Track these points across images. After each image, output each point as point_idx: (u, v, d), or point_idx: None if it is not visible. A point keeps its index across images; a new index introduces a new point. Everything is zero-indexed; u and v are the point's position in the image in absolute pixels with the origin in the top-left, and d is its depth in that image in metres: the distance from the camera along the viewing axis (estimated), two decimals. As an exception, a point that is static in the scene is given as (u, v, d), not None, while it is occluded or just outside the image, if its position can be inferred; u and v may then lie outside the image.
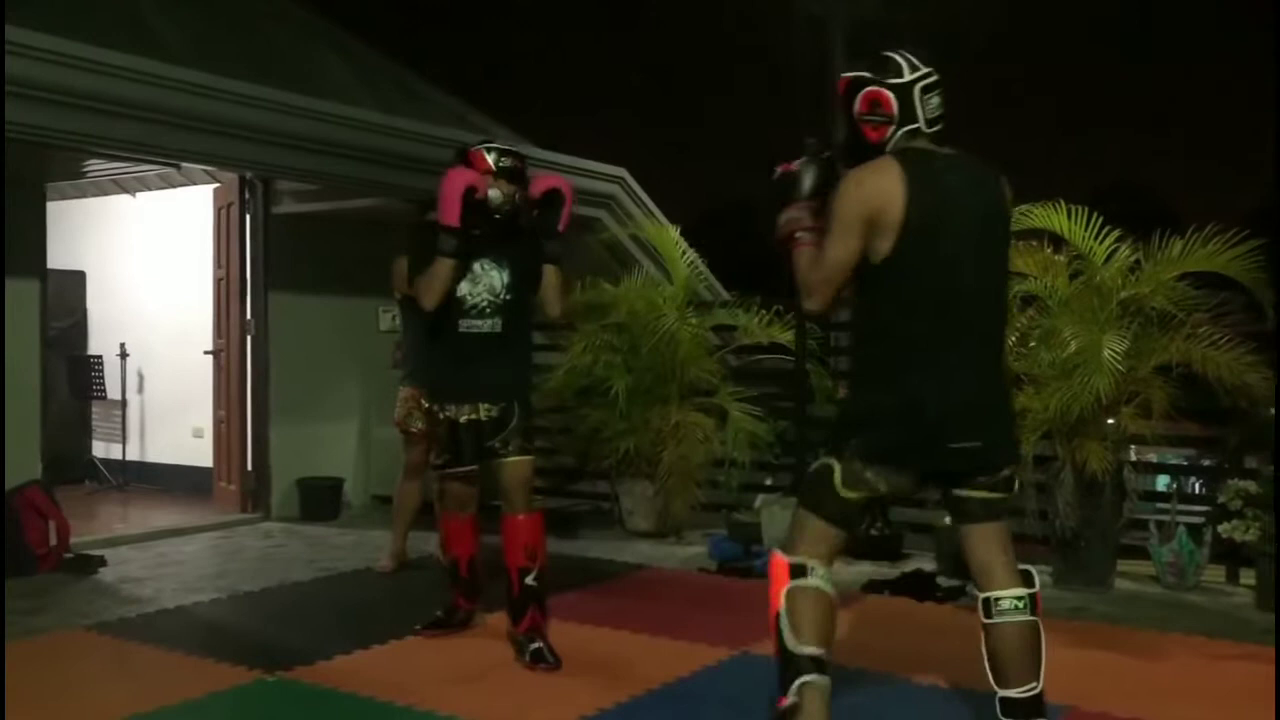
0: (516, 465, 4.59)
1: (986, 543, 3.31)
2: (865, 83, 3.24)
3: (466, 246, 4.42)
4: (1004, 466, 3.31)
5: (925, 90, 3.22)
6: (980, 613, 3.28)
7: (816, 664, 3.21)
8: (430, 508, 6.37)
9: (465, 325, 4.54)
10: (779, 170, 3.41)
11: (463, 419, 4.59)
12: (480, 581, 4.93)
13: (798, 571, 3.26)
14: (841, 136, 3.37)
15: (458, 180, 4.37)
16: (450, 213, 4.34)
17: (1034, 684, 3.23)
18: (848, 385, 3.92)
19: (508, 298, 4.56)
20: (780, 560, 3.30)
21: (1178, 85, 46.05)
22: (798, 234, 3.30)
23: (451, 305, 4.50)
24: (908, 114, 3.21)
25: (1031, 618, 3.25)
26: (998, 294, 3.39)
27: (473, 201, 4.36)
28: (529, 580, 4.54)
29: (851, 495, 3.25)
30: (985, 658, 3.26)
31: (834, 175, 3.34)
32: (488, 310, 4.54)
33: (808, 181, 3.36)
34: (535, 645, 4.47)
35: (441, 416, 4.65)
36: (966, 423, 3.21)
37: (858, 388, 3.47)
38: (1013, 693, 3.22)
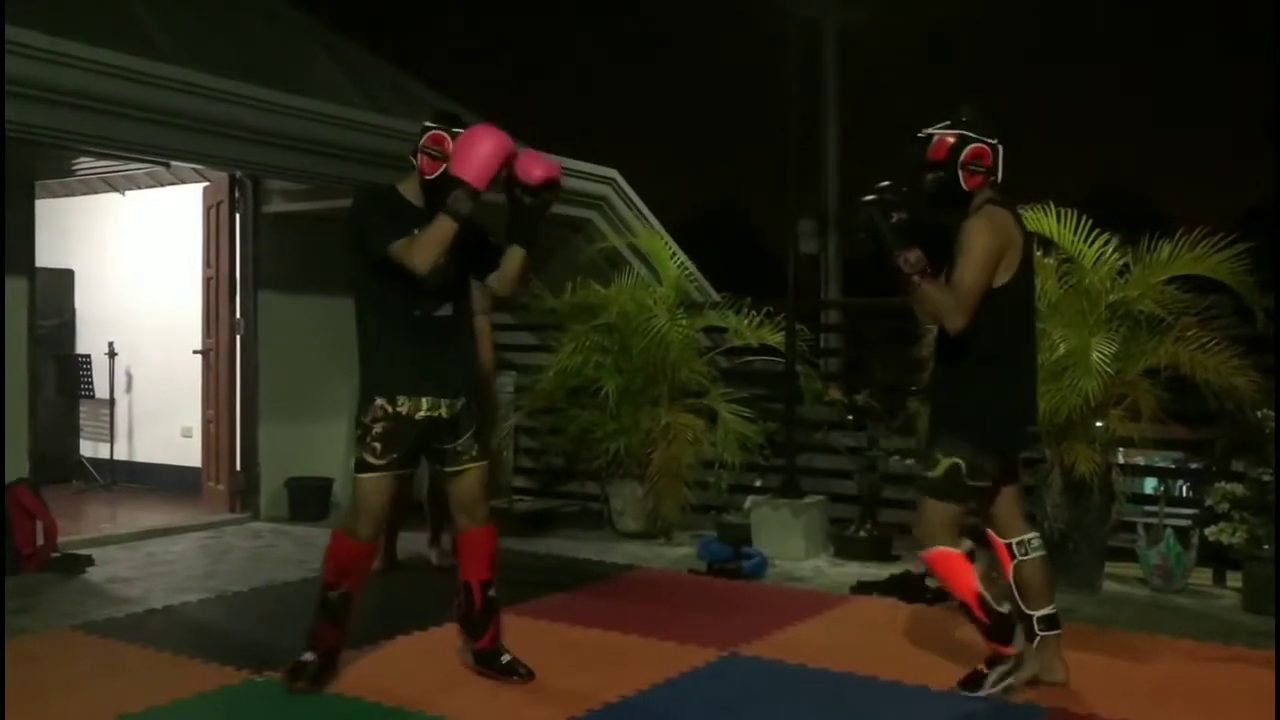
0: (480, 472, 4.29)
1: (1010, 501, 4.26)
2: (972, 139, 4.01)
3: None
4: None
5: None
6: (1016, 553, 4.20)
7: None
8: (419, 508, 6.41)
9: (419, 309, 4.10)
10: (895, 217, 4.04)
11: (420, 415, 4.14)
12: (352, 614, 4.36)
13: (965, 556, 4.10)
14: (933, 180, 4.05)
15: (502, 141, 3.89)
16: (482, 173, 3.85)
17: (1053, 603, 4.24)
18: (938, 390, 4.37)
19: (454, 276, 4.12)
20: (939, 555, 4.08)
21: (1172, 84, 46.18)
22: (923, 270, 3.99)
23: (404, 287, 4.03)
24: (995, 167, 4.05)
25: (1046, 552, 4.28)
26: (1036, 311, 4.46)
27: (500, 174, 3.90)
28: (492, 593, 4.31)
29: (975, 484, 4.06)
30: (1016, 589, 4.18)
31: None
32: (439, 291, 4.09)
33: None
34: (508, 657, 4.33)
35: (391, 411, 4.11)
36: (1031, 412, 4.25)
37: (969, 392, 4.09)
38: (1045, 610, 4.20)
